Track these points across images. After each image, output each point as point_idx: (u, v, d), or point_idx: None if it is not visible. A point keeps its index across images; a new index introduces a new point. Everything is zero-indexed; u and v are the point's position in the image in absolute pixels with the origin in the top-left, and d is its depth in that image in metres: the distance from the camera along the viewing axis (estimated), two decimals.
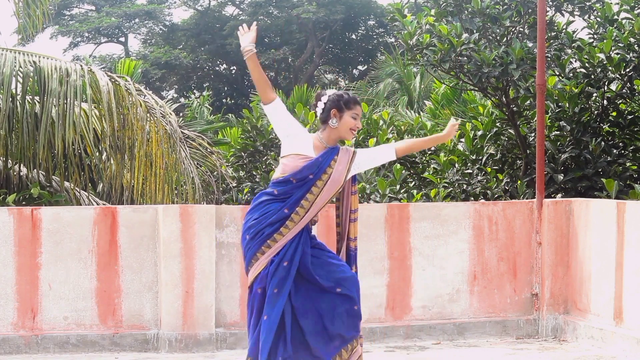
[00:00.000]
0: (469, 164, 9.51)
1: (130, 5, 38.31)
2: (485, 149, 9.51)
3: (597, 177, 8.55)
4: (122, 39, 39.72)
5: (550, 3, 9.15)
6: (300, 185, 4.98)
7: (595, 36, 8.89)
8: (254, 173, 12.33)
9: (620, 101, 8.88)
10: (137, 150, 9.46)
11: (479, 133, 9.52)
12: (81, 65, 9.48)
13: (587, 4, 9.04)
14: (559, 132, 8.90)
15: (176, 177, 9.74)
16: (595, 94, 8.80)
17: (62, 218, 6.84)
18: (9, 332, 6.71)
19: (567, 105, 8.76)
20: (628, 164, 8.78)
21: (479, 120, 9.65)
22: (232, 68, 38.69)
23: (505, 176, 9.15)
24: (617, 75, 8.48)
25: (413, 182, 10.00)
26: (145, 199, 9.64)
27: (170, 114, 9.95)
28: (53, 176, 9.90)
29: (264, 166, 12.30)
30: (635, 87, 8.65)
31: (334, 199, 5.20)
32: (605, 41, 8.32)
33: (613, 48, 8.33)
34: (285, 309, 4.89)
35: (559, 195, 8.67)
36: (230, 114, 25.99)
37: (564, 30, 9.06)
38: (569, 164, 8.83)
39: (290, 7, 35.63)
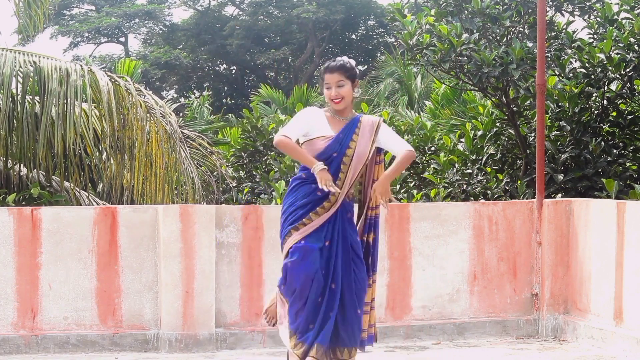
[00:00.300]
0: (469, 164, 9.50)
1: (130, 5, 38.33)
2: (485, 149, 9.50)
3: (597, 177, 8.54)
4: (122, 39, 39.75)
5: (550, 3, 9.14)
6: (327, 165, 5.04)
7: (595, 36, 8.89)
8: (254, 173, 12.33)
9: (620, 101, 8.87)
10: (137, 150, 9.45)
11: (479, 133, 9.51)
12: (81, 66, 9.48)
13: (587, 4, 9.04)
14: (559, 132, 8.90)
15: (176, 177, 9.73)
16: (595, 94, 8.79)
17: (62, 218, 6.84)
18: (9, 332, 6.70)
19: (567, 105, 8.76)
20: (628, 164, 8.77)
21: (479, 120, 9.65)
22: (232, 68, 38.70)
23: (505, 176, 9.14)
24: (617, 75, 8.47)
25: (413, 182, 9.99)
26: (145, 199, 9.63)
27: (170, 114, 9.95)
28: (53, 176, 9.89)
29: (264, 166, 12.31)
30: (635, 87, 8.64)
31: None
32: (605, 41, 8.31)
33: (613, 48, 8.33)
34: (329, 288, 5.00)
35: (559, 195, 8.66)
36: (230, 114, 26.00)
37: (564, 30, 9.05)
38: (569, 164, 8.82)
39: (290, 7, 35.62)
